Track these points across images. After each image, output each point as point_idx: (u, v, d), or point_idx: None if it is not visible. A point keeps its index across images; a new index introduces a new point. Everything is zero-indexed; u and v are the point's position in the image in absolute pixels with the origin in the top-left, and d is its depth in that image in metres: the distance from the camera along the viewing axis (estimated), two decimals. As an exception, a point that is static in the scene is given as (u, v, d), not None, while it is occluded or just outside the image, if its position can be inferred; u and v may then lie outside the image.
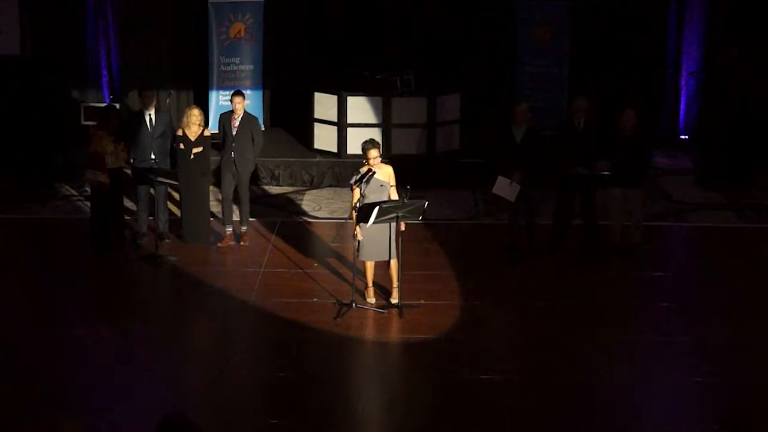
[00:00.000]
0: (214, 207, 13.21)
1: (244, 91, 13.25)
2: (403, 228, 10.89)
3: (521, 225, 12.41)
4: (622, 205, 12.46)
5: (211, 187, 13.01)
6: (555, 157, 12.46)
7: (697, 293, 11.59)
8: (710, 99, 16.04)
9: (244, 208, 12.86)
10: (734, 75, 15.79)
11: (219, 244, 12.67)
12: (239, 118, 12.60)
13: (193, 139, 12.46)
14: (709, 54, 16.19)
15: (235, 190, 12.77)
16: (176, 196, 13.21)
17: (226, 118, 12.71)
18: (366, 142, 11.01)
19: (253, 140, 12.71)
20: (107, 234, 12.51)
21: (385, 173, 10.96)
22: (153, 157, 12.55)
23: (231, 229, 12.77)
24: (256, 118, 13.16)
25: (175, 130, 12.63)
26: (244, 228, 12.87)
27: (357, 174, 10.92)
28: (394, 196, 10.97)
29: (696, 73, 16.20)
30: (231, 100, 12.77)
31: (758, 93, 15.66)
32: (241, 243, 12.76)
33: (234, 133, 12.58)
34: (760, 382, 9.50)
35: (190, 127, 12.46)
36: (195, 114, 12.49)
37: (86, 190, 13.60)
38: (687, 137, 16.40)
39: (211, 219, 12.93)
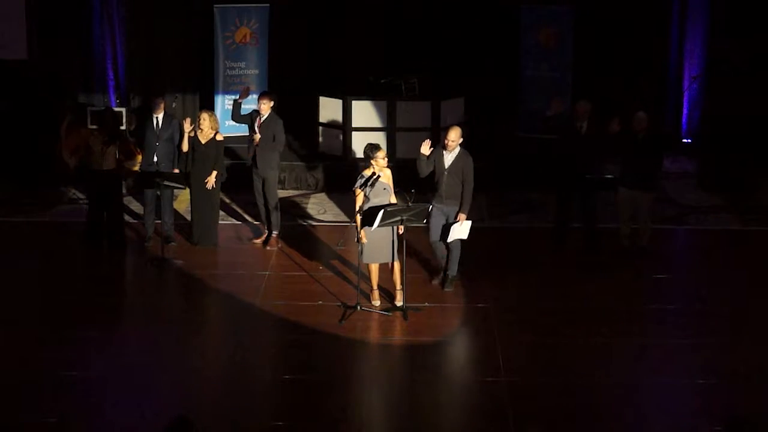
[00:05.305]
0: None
1: (250, 95, 13.32)
2: (401, 231, 10.96)
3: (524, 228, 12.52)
4: (630, 208, 12.48)
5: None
6: (557, 159, 12.50)
7: (699, 296, 11.61)
8: (712, 103, 16.09)
9: (274, 213, 12.85)
10: (736, 79, 15.84)
11: (254, 241, 12.94)
12: (263, 118, 12.64)
13: (203, 142, 12.55)
14: (712, 58, 16.24)
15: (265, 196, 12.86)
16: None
17: (252, 117, 12.76)
18: (371, 145, 11.07)
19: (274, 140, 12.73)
20: (100, 234, 12.60)
21: (387, 176, 11.04)
22: (156, 159, 12.64)
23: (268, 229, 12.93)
24: (279, 120, 12.97)
25: (189, 132, 12.63)
26: (275, 233, 12.89)
27: (361, 178, 10.98)
28: (393, 200, 11.03)
29: (698, 78, 16.25)
30: (258, 100, 12.82)
31: (760, 97, 15.70)
32: (267, 247, 12.82)
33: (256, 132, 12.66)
34: (762, 384, 9.55)
35: (201, 131, 12.55)
36: (204, 118, 12.58)
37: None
38: (689, 141, 16.44)
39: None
